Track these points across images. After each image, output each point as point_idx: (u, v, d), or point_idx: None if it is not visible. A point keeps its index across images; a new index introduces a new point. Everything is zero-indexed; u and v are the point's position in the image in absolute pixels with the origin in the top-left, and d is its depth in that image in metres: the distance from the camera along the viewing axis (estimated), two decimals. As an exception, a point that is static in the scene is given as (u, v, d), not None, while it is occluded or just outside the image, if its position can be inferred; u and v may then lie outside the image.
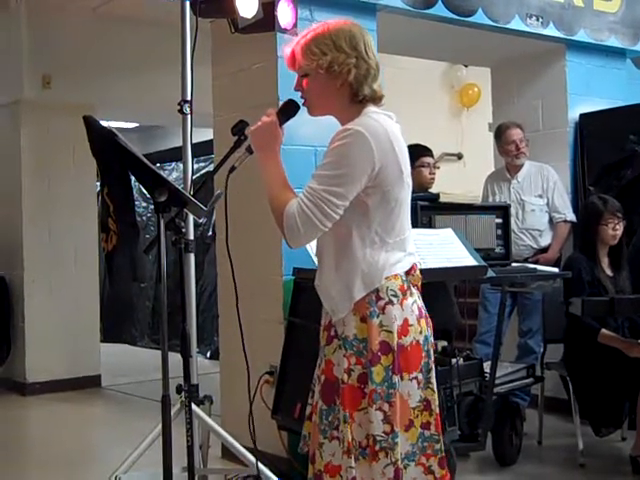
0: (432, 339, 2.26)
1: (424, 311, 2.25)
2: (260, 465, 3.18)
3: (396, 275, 2.17)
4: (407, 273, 2.20)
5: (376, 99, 2.24)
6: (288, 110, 2.28)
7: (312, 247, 3.54)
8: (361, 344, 2.13)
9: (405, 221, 2.23)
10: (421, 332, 2.19)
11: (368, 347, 2.12)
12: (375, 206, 2.13)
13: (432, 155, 4.72)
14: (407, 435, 2.17)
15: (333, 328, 2.20)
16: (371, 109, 2.20)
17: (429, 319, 2.27)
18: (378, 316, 2.13)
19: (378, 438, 2.11)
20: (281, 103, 2.31)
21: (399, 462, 2.12)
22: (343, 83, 2.19)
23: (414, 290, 2.22)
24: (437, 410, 2.22)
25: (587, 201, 4.71)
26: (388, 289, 2.14)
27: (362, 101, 2.21)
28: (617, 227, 4.30)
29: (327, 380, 2.19)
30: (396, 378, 2.13)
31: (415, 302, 2.21)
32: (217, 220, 4.81)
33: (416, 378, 2.18)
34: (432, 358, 2.23)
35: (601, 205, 4.33)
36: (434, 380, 2.23)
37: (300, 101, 2.30)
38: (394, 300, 2.14)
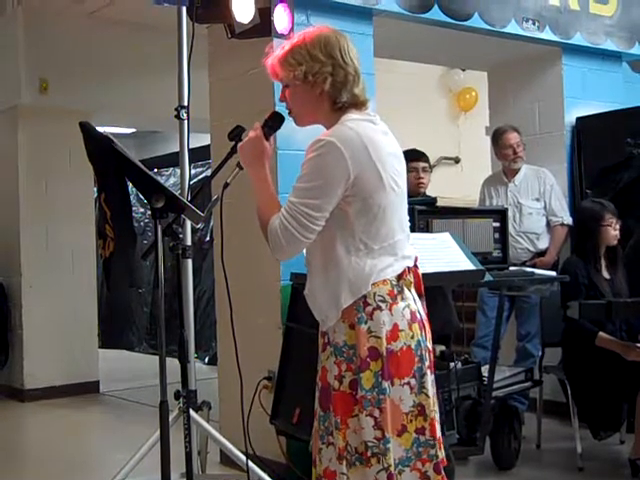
0: (428, 344, 2.24)
1: (419, 315, 2.23)
2: (256, 468, 3.18)
3: (385, 280, 2.16)
4: (399, 277, 2.19)
5: (358, 104, 2.24)
6: (273, 122, 2.31)
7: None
8: (350, 350, 2.15)
9: (394, 225, 2.22)
10: (413, 337, 2.18)
11: (357, 353, 2.13)
12: (357, 214, 2.15)
13: (423, 159, 4.66)
14: (400, 440, 2.16)
15: (326, 335, 2.23)
16: (350, 116, 2.21)
17: (425, 323, 2.25)
18: (366, 322, 2.14)
19: (370, 444, 2.12)
20: (266, 115, 2.34)
21: (392, 467, 2.12)
22: (321, 92, 2.21)
23: (408, 294, 2.21)
24: (432, 415, 2.20)
25: (582, 206, 4.71)
26: (376, 295, 2.14)
27: (342, 108, 2.22)
28: (617, 227, 4.33)
29: (322, 387, 2.23)
30: (386, 384, 2.13)
31: (407, 307, 2.19)
32: (215, 226, 4.80)
33: (408, 383, 2.17)
34: (426, 363, 2.21)
35: (599, 207, 4.35)
36: (429, 385, 2.21)
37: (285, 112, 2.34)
38: (382, 306, 2.14)
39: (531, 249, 5.11)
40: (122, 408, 6.34)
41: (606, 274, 4.36)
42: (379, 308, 2.14)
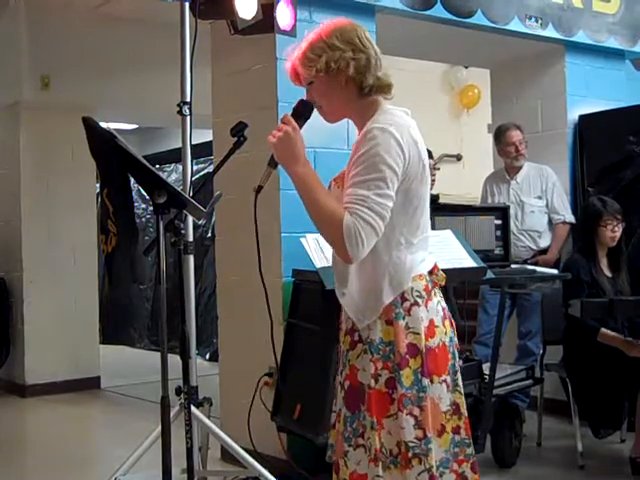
0: (456, 340, 2.20)
1: (447, 312, 2.19)
2: (257, 464, 3.18)
3: (421, 275, 2.13)
4: (430, 273, 2.16)
5: (384, 87, 2.18)
6: (303, 111, 2.16)
7: (310, 248, 3.54)
8: (387, 347, 2.08)
9: (427, 219, 2.19)
10: (446, 333, 2.14)
11: (395, 350, 2.06)
12: (399, 206, 2.07)
13: (431, 156, 4.71)
14: (440, 441, 2.11)
15: (357, 333, 2.13)
16: (388, 106, 2.16)
17: (452, 320, 2.21)
18: (404, 318, 2.08)
19: (410, 444, 2.05)
20: (294, 104, 2.20)
21: (434, 469, 2.05)
22: (347, 79, 2.13)
23: (437, 290, 2.17)
24: (466, 413, 2.17)
25: (586, 202, 4.71)
26: (413, 290, 2.10)
27: (370, 92, 2.16)
28: (616, 229, 4.30)
29: (351, 386, 2.13)
30: (426, 381, 2.07)
31: (439, 302, 2.15)
32: (217, 221, 4.80)
33: (445, 381, 2.12)
34: (457, 360, 2.17)
35: (600, 206, 4.33)
36: (461, 382, 2.18)
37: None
38: (419, 301, 2.09)
39: (533, 247, 5.11)
40: (123, 404, 6.34)
41: (608, 272, 4.35)
42: (416, 304, 2.09)
